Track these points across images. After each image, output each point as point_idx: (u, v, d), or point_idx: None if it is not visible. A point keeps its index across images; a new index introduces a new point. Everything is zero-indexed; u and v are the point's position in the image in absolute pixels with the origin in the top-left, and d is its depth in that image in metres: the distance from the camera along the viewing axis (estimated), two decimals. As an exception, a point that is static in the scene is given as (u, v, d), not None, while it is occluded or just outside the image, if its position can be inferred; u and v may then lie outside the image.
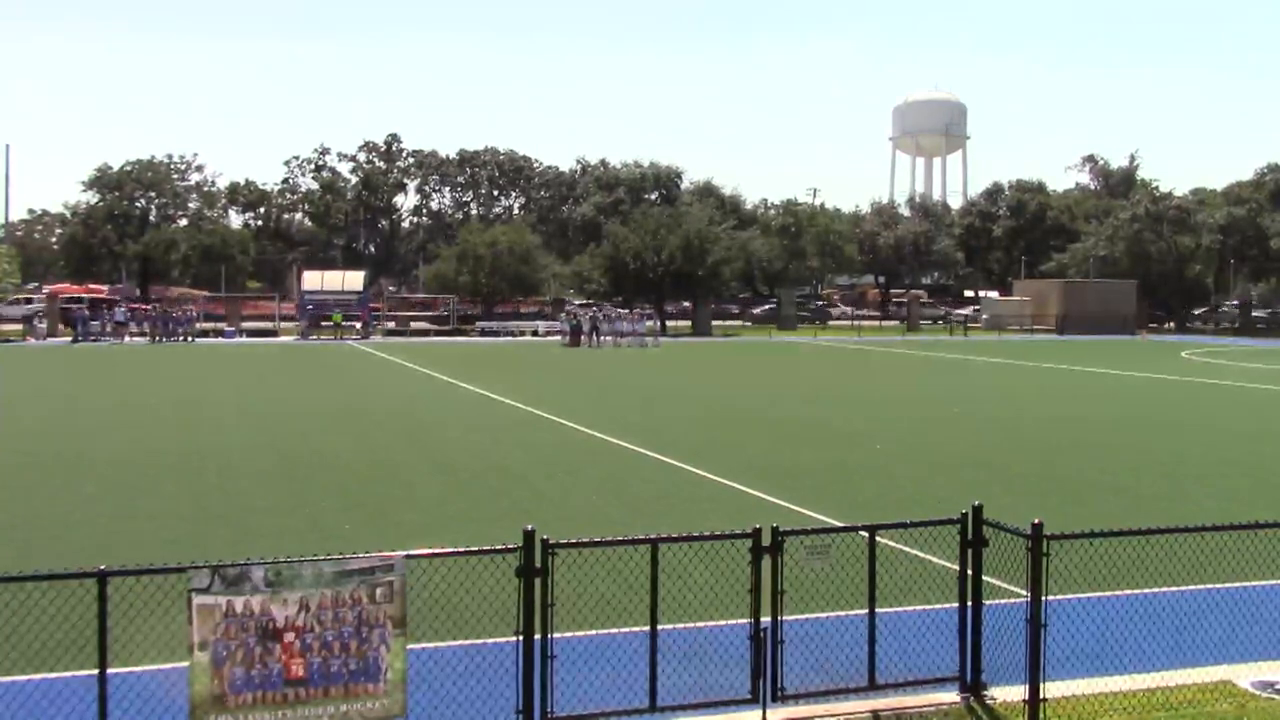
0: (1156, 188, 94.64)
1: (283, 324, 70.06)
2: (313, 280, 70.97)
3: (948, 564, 9.62)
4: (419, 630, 7.71)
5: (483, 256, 75.58)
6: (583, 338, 59.29)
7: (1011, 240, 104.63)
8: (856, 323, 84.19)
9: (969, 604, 8.11)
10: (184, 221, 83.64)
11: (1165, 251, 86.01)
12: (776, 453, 20.24)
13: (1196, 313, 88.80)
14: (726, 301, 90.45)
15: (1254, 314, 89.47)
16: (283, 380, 36.36)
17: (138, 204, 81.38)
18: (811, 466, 18.75)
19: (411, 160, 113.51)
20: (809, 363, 48.55)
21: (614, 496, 15.98)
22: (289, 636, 6.48)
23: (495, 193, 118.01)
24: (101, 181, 79.53)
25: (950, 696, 8.05)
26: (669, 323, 78.18)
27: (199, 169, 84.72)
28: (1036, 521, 7.65)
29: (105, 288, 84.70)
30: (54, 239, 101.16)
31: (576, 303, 76.94)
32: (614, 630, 8.87)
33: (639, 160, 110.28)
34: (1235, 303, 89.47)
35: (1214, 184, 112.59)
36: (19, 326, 63.47)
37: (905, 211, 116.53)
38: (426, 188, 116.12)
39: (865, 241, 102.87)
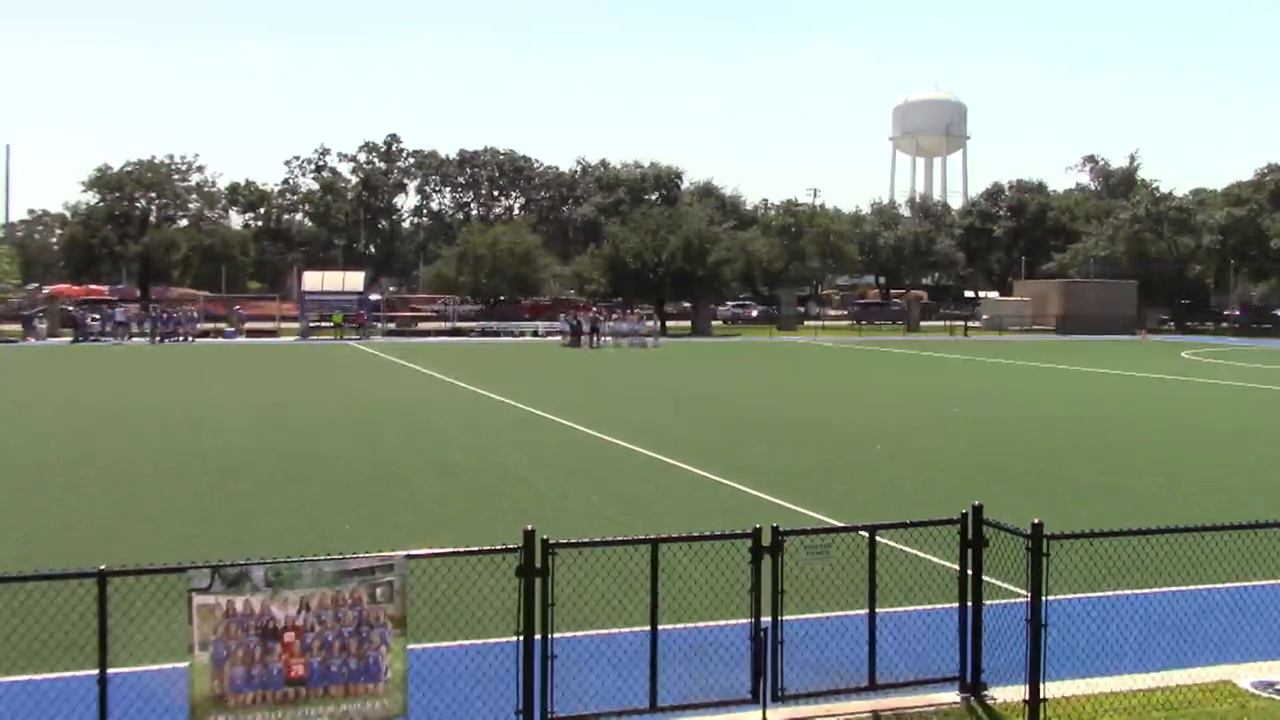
0: (1156, 188, 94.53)
1: (283, 324, 70.06)
2: (313, 280, 70.98)
3: (948, 564, 9.62)
4: (419, 630, 7.70)
5: (483, 257, 75.59)
6: (583, 338, 59.29)
7: (1012, 240, 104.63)
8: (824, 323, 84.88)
9: (969, 604, 8.11)
10: (184, 222, 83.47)
11: (1165, 252, 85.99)
12: (776, 453, 20.24)
13: (1203, 312, 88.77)
14: (722, 302, 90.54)
15: (1254, 313, 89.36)
16: (283, 381, 36.36)
17: (138, 204, 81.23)
18: (811, 466, 18.75)
19: (411, 160, 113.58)
20: (809, 363, 48.54)
21: (614, 496, 15.98)
22: (289, 636, 6.48)
23: (495, 193, 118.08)
24: (101, 182, 79.36)
25: (950, 696, 8.05)
26: (669, 323, 78.19)
27: (199, 169, 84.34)
28: (1036, 521, 7.65)
29: (105, 288, 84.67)
30: (54, 239, 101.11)
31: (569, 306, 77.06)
32: (614, 630, 8.87)
33: (639, 160, 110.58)
34: (1238, 310, 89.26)
35: (1214, 184, 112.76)
36: (19, 326, 63.43)
37: (905, 211, 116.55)
38: (426, 188, 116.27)
39: (865, 241, 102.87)
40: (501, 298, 77.22)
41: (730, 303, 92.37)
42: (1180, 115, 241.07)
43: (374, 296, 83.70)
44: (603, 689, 7.66)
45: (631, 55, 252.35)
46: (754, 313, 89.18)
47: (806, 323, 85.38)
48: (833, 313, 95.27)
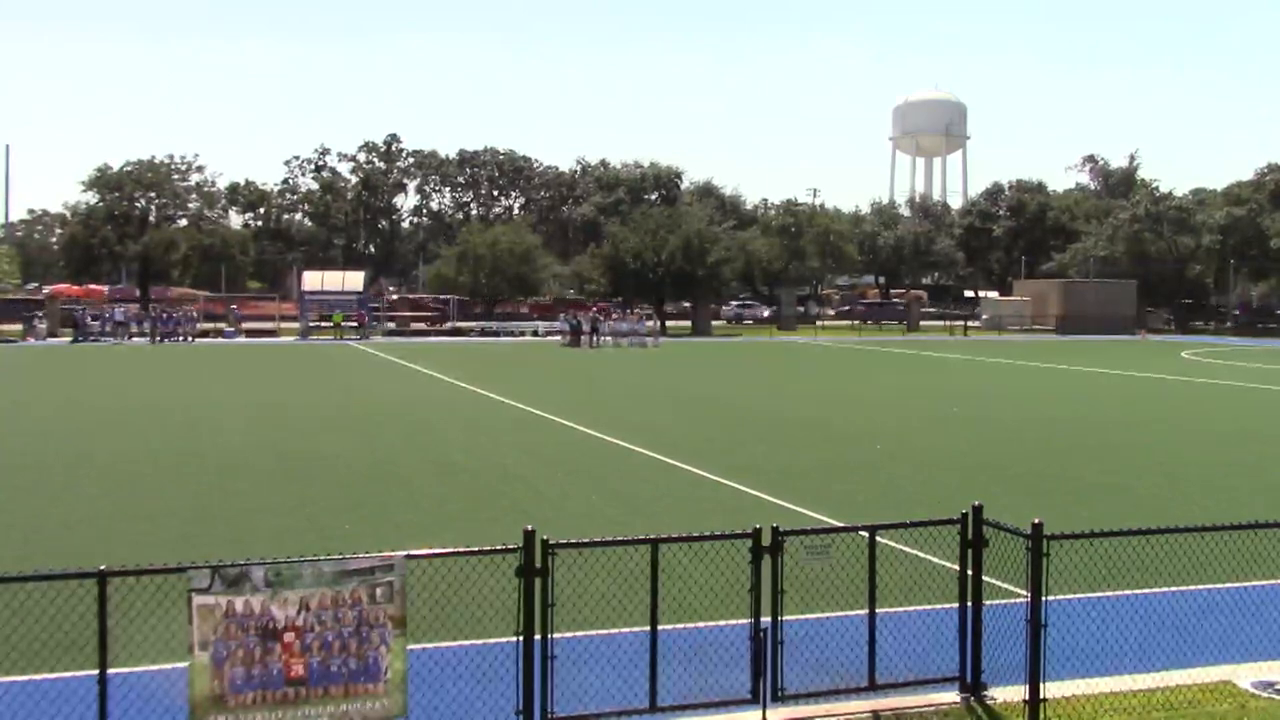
0: (1156, 188, 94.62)
1: (283, 324, 70.10)
2: (313, 280, 70.99)
3: (948, 564, 9.61)
4: (419, 630, 7.70)
5: (483, 256, 75.60)
6: (582, 337, 59.30)
7: (1012, 240, 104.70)
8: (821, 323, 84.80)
9: (969, 604, 8.11)
10: (184, 222, 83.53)
11: (1165, 251, 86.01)
12: (776, 453, 20.24)
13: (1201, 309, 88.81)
14: (726, 301, 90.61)
15: (1254, 313, 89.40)
16: (282, 381, 36.36)
17: (138, 204, 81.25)
18: (811, 466, 18.74)
19: (411, 160, 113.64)
20: (809, 363, 48.55)
21: (614, 496, 15.98)
22: (289, 636, 6.48)
23: (495, 193, 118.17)
24: (101, 181, 79.35)
25: (950, 697, 8.05)
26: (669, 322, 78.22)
27: (199, 169, 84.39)
28: (1036, 521, 7.65)
29: (105, 288, 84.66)
30: (54, 239, 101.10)
31: (569, 305, 77.19)
32: (614, 630, 8.87)
33: (639, 160, 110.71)
34: (1237, 309, 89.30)
35: (1214, 184, 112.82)
36: (19, 326, 63.45)
37: (905, 211, 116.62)
38: (426, 188, 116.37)
39: (865, 241, 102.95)
40: (480, 303, 77.12)
41: (734, 302, 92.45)
42: (1180, 115, 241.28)
43: (392, 296, 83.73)
44: (603, 689, 7.66)
45: (631, 55, 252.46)
46: (765, 312, 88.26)
47: (819, 323, 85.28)
48: (831, 312, 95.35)
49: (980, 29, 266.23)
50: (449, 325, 73.48)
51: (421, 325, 73.94)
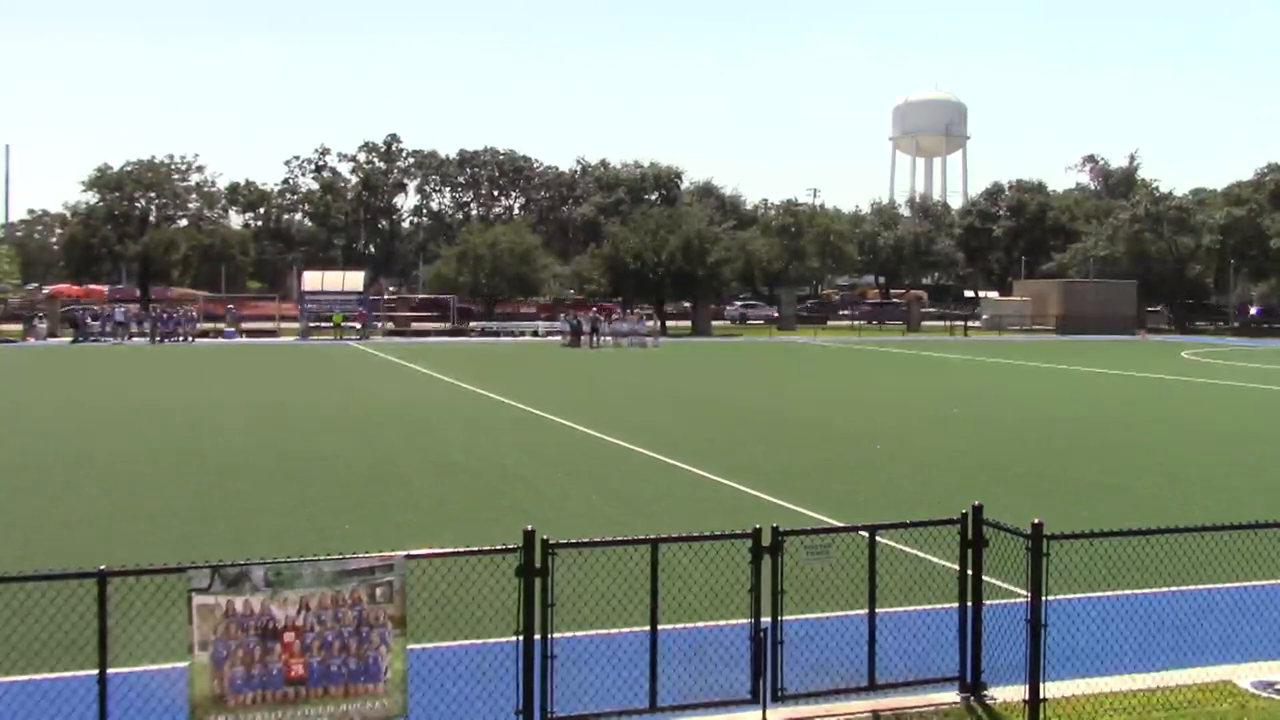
0: (1156, 188, 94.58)
1: (283, 324, 70.10)
2: (313, 280, 70.99)
3: (948, 564, 9.61)
4: (419, 630, 7.70)
5: (483, 256, 75.61)
6: (582, 338, 59.30)
7: (1012, 240, 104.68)
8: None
9: (969, 604, 8.11)
10: (184, 222, 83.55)
11: (1165, 251, 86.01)
12: (776, 453, 20.24)
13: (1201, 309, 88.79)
14: (730, 301, 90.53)
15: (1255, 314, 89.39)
16: (282, 381, 36.36)
17: (138, 204, 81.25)
18: (811, 466, 18.74)
19: (411, 160, 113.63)
20: (808, 363, 48.54)
21: (614, 496, 15.98)
22: (289, 636, 6.48)
23: (495, 193, 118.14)
24: (101, 181, 79.32)
25: (950, 696, 8.05)
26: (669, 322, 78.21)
27: (199, 169, 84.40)
28: (1036, 521, 7.65)
29: (105, 288, 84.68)
30: (54, 239, 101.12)
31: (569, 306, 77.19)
32: (614, 630, 8.86)
33: (639, 160, 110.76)
34: (1238, 309, 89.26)
35: (1214, 184, 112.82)
36: (19, 326, 63.47)
37: (905, 211, 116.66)
38: (426, 188, 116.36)
39: (865, 241, 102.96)
40: (480, 303, 77.09)
41: (738, 302, 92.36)
42: (1180, 115, 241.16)
43: (389, 298, 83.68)
44: (603, 689, 7.66)
45: (631, 55, 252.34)
46: (775, 312, 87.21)
47: (829, 322, 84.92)
48: (812, 302, 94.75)
49: (980, 29, 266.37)
50: (449, 325, 73.49)
51: (421, 325, 73.96)
